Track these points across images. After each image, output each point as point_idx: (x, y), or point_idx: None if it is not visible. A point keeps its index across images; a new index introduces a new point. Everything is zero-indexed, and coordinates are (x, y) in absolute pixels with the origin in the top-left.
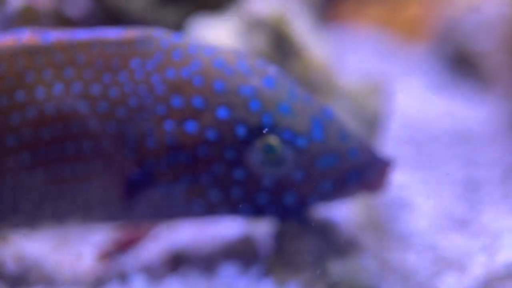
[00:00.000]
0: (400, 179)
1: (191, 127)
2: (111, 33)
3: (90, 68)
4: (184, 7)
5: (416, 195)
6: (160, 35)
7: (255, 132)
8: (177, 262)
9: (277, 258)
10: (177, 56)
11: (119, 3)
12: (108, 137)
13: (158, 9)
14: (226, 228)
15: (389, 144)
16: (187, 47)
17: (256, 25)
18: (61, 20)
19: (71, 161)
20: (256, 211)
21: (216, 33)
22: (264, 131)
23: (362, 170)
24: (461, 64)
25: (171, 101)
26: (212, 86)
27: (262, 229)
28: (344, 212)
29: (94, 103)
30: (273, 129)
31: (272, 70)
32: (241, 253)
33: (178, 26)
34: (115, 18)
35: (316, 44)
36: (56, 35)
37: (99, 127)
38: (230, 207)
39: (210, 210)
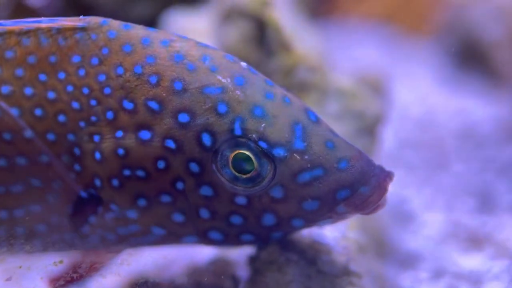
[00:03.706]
0: (403, 189)
1: (146, 135)
2: (47, 22)
3: (22, 65)
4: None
5: (422, 208)
6: (106, 24)
7: (224, 140)
8: None
9: None
10: (127, 49)
11: None
12: (46, 150)
13: (131, 2)
14: (195, 250)
15: (391, 148)
16: (140, 38)
17: (235, 14)
18: (21, 10)
19: (3, 180)
20: (228, 237)
21: (192, 25)
22: (234, 140)
23: (355, 186)
24: (469, 56)
25: (121, 104)
26: (170, 86)
27: (235, 251)
28: (338, 232)
29: (27, 108)
30: (245, 137)
31: (244, 66)
32: (211, 283)
33: (152, 20)
34: (82, 11)
35: (306, 36)
36: None
37: (34, 137)
38: (197, 233)
39: (173, 236)
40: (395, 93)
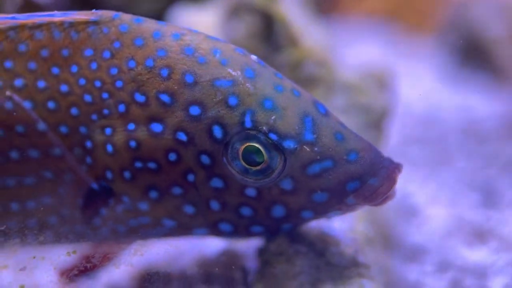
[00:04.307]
0: (407, 185)
1: (158, 128)
2: (60, 16)
3: (35, 59)
4: None
5: (426, 203)
6: (118, 17)
7: (234, 133)
8: (151, 281)
9: (261, 283)
10: (139, 43)
11: None
12: (59, 142)
13: None
14: (204, 242)
15: (395, 144)
16: (151, 32)
17: (243, 9)
18: (28, 5)
19: (16, 172)
20: (238, 228)
21: (199, 20)
22: (245, 132)
23: (364, 177)
24: (472, 53)
25: (133, 97)
26: (181, 79)
27: (245, 243)
28: (347, 224)
29: (40, 101)
30: (255, 129)
31: (254, 59)
32: (220, 274)
33: (159, 16)
34: (89, 5)
35: (313, 31)
36: None
37: (47, 130)
38: (208, 224)
39: (184, 228)
40: (398, 89)
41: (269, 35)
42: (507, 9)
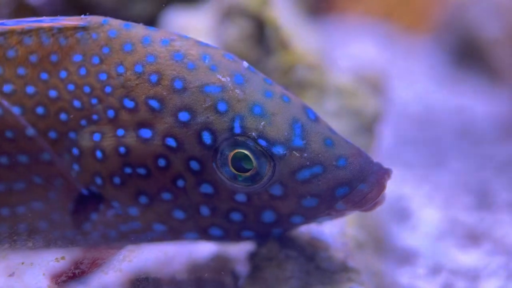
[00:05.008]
0: (401, 187)
1: (147, 134)
2: (48, 22)
3: (23, 64)
4: None
5: (420, 205)
6: (107, 23)
7: (224, 139)
8: (140, 287)
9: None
10: (128, 48)
11: None
12: (48, 148)
13: (131, 1)
14: (194, 247)
15: (389, 145)
16: (140, 38)
17: (235, 13)
18: (22, 8)
19: (5, 177)
20: (228, 233)
21: (191, 23)
22: (234, 138)
23: (354, 183)
24: (468, 54)
25: (122, 103)
26: (170, 85)
27: (235, 247)
28: (337, 229)
29: (29, 107)
30: (244, 135)
31: (243, 65)
32: (211, 278)
33: (152, 19)
34: (82, 9)
35: (305, 34)
36: None
37: (36, 135)
38: (198, 230)
39: (174, 233)
40: (393, 90)
41: (261, 39)
42: (503, 10)
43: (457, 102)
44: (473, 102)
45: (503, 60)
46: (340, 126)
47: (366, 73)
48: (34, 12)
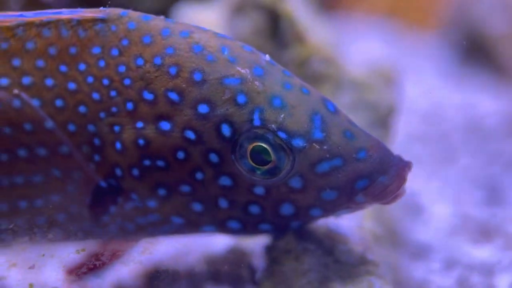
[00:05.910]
0: (411, 182)
1: (166, 126)
2: (67, 14)
3: (42, 56)
4: None
5: (431, 201)
6: (126, 15)
7: (243, 131)
8: (160, 279)
9: (269, 281)
10: (147, 40)
11: None
12: (67, 140)
13: None
14: (211, 240)
15: (399, 141)
16: (159, 30)
17: (248, 6)
18: (33, 3)
19: (23, 170)
20: (246, 226)
21: (203, 17)
22: (253, 131)
23: (374, 175)
24: (474, 50)
25: (141, 95)
26: (190, 77)
27: (253, 240)
28: (354, 222)
29: (48, 99)
30: (264, 128)
31: (262, 57)
32: (228, 271)
33: (163, 13)
34: (91, 4)
35: (318, 28)
36: None
37: (55, 128)
38: (216, 222)
39: (192, 226)
40: (404, 86)
41: (275, 32)
42: (510, 6)
43: (464, 98)
44: (480, 98)
45: (509, 56)
46: (355, 120)
47: (378, 66)
48: (44, 7)
